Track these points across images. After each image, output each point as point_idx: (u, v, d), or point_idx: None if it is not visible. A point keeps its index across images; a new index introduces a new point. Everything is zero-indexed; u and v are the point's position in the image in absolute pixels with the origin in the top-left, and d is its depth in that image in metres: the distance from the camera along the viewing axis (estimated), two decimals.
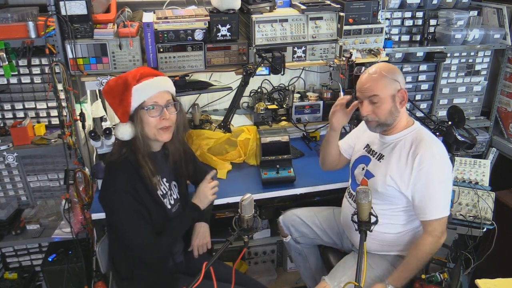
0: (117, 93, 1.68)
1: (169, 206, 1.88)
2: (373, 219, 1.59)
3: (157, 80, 1.73)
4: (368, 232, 1.87)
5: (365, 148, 2.05)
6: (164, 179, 1.89)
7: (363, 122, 2.18)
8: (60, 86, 2.14)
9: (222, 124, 2.55)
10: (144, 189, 1.74)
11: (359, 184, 1.99)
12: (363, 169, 2.00)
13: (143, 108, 1.69)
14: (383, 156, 1.93)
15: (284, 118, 2.89)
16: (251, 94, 2.98)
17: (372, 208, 1.61)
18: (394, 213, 1.90)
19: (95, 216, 2.08)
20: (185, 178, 2.02)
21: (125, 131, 1.70)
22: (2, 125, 2.39)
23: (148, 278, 1.85)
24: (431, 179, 1.78)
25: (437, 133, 2.24)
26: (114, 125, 2.38)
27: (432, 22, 2.75)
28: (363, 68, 2.29)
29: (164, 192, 1.87)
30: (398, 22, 2.71)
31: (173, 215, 1.91)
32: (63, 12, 2.03)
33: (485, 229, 2.31)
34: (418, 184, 1.80)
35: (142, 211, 1.73)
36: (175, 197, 1.94)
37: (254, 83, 2.93)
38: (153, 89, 1.70)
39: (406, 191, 1.83)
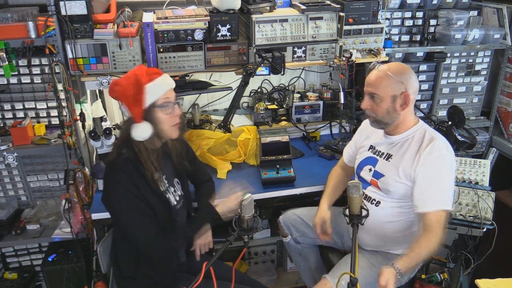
0: (131, 93, 1.67)
1: (174, 202, 1.89)
2: (364, 213, 1.61)
3: (166, 77, 1.75)
4: (376, 230, 1.91)
5: (370, 150, 2.05)
6: (164, 176, 1.89)
7: (361, 126, 2.20)
8: (60, 86, 2.14)
9: (222, 124, 2.55)
10: (146, 186, 1.74)
11: (369, 185, 1.99)
12: (370, 170, 1.99)
13: (157, 106, 1.70)
14: (391, 155, 1.93)
15: (284, 118, 2.90)
16: (251, 94, 2.98)
17: (363, 201, 1.62)
18: (406, 210, 1.90)
19: (95, 216, 2.07)
20: (186, 175, 2.03)
21: (144, 131, 1.70)
22: (2, 125, 2.39)
23: (151, 277, 1.85)
24: (439, 172, 1.78)
25: None
26: (114, 125, 2.39)
27: (432, 22, 2.75)
28: (378, 64, 2.30)
29: (164, 188, 1.88)
30: (398, 22, 2.71)
31: (178, 212, 1.91)
32: (63, 12, 2.03)
33: (485, 229, 2.31)
34: (424, 175, 1.80)
35: (145, 209, 1.73)
36: (179, 193, 1.95)
37: (254, 83, 2.93)
38: (165, 86, 1.73)
39: (415, 185, 1.83)
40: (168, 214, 1.84)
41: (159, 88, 1.70)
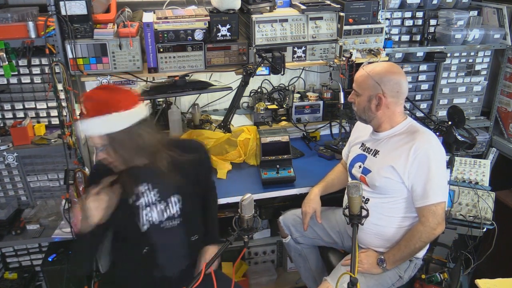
0: None
1: (155, 220, 1.77)
2: (364, 213, 1.62)
3: (86, 124, 1.60)
4: (370, 228, 1.94)
5: (361, 147, 2.08)
6: (156, 190, 1.77)
7: (355, 125, 2.25)
8: (60, 86, 2.14)
9: (222, 124, 2.55)
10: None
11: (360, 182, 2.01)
12: (360, 167, 2.03)
13: None
14: (379, 151, 1.97)
15: (284, 118, 2.90)
16: (251, 94, 2.98)
17: (363, 202, 1.64)
18: (394, 205, 1.93)
19: None
20: (191, 195, 1.86)
21: None
22: (2, 125, 2.39)
23: (129, 286, 1.82)
24: (428, 164, 1.82)
25: (437, 133, 2.24)
26: None
27: (432, 22, 2.75)
28: (366, 63, 2.33)
29: (150, 202, 1.76)
30: (398, 22, 2.71)
31: (165, 232, 1.79)
32: (63, 12, 2.03)
33: (485, 229, 2.31)
34: (415, 170, 1.83)
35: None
36: (174, 211, 1.79)
37: (254, 83, 2.93)
38: (85, 131, 1.67)
39: (403, 180, 1.86)
40: (135, 227, 1.75)
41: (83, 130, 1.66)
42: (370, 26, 2.46)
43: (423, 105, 2.90)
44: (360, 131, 2.14)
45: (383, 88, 1.86)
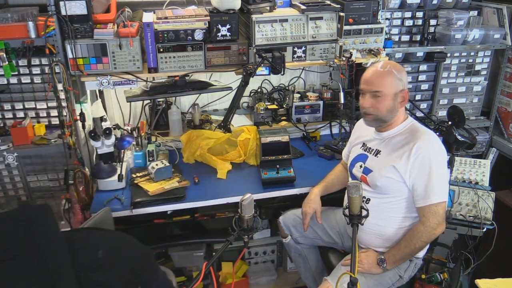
0: None
1: None
2: (364, 213, 1.62)
3: None
4: (370, 228, 1.94)
5: (362, 147, 2.09)
6: None
7: (355, 125, 2.24)
8: (60, 86, 2.14)
9: (222, 124, 2.55)
10: None
11: (360, 182, 2.01)
12: (361, 166, 2.03)
13: None
14: (380, 151, 1.97)
15: (284, 118, 2.90)
16: (251, 94, 2.98)
17: (363, 202, 1.67)
18: (395, 205, 1.93)
19: None
20: None
21: None
22: (2, 125, 2.39)
23: None
24: (429, 164, 1.82)
25: (437, 133, 2.24)
26: (114, 125, 2.39)
27: (432, 22, 2.75)
28: (370, 62, 2.32)
29: None
30: (398, 22, 2.71)
31: None
32: (63, 12, 2.03)
33: (485, 229, 2.31)
34: (416, 170, 1.83)
35: None
36: None
37: (254, 83, 2.93)
38: None
39: (404, 180, 1.86)
40: None
41: None
42: (370, 26, 2.46)
43: (423, 105, 2.90)
44: (361, 131, 2.14)
45: (405, 83, 1.87)
